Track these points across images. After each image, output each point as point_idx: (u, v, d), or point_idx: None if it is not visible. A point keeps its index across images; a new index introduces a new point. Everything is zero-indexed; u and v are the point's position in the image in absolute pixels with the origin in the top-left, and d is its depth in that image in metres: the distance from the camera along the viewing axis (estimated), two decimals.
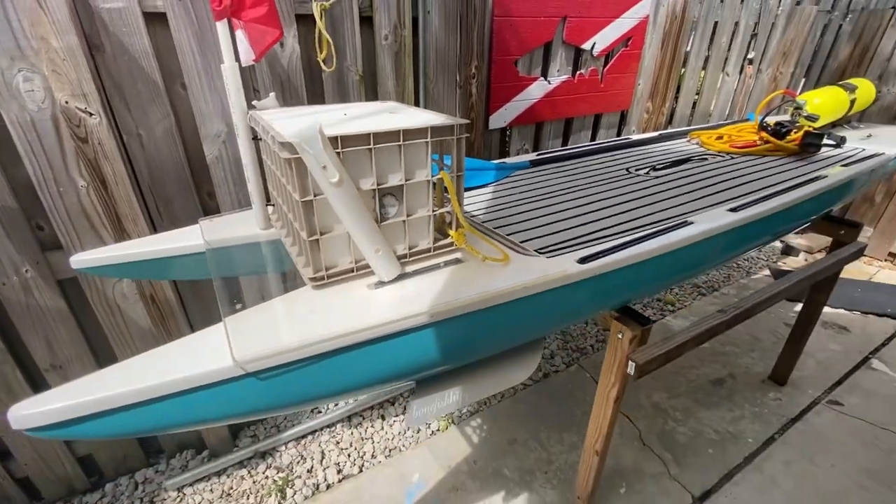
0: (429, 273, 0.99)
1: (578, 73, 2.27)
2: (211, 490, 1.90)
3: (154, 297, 1.61)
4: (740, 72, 3.01)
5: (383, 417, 2.26)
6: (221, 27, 1.00)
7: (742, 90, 3.08)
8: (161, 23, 1.39)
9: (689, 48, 2.65)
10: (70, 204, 1.42)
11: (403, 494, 1.89)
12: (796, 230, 2.10)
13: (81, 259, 1.16)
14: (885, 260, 3.74)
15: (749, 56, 3.02)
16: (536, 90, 2.14)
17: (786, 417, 2.24)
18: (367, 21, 1.69)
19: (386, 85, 1.78)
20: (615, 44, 2.29)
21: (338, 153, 0.82)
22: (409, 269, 0.99)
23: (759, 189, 1.57)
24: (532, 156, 1.96)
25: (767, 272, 3.58)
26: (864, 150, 2.05)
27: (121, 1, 1.31)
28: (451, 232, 1.04)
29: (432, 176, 0.97)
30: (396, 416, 2.26)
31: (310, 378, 0.80)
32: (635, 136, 2.34)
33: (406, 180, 0.93)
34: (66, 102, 1.28)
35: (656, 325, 2.95)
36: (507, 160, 1.90)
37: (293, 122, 0.90)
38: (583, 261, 1.06)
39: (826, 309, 3.11)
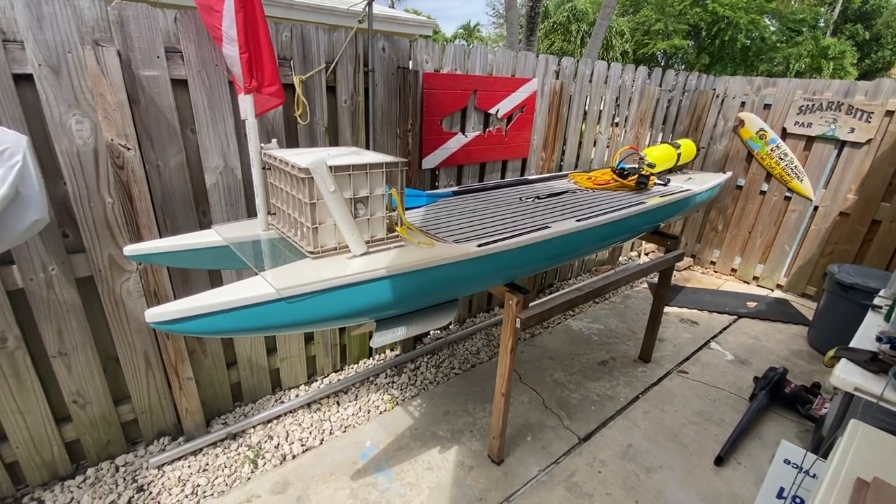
0: (383, 251, 1.57)
1: (488, 130, 3.05)
2: (189, 466, 2.21)
3: (157, 293, 2.00)
4: (610, 131, 4.02)
5: (339, 403, 2.69)
6: (248, 98, 1.57)
7: (613, 144, 4.09)
8: (181, 86, 1.91)
9: (569, 114, 3.57)
10: (97, 216, 1.84)
11: (358, 456, 2.33)
12: (636, 238, 2.93)
13: (132, 248, 1.60)
14: (729, 274, 4.87)
15: (616, 120, 4.05)
16: (456, 142, 2.87)
17: (648, 383, 2.99)
18: (331, 90, 2.32)
19: (345, 135, 2.40)
20: (513, 110, 3.11)
21: (332, 176, 1.40)
22: (371, 249, 1.57)
23: (602, 210, 2.35)
24: (455, 188, 2.65)
25: (646, 285, 4.53)
26: (681, 187, 2.98)
27: (156, 70, 1.82)
28: (398, 227, 1.64)
29: (386, 191, 1.57)
30: (349, 402, 2.71)
31: (314, 305, 1.33)
32: (531, 177, 3.14)
33: (370, 193, 1.52)
34: (112, 140, 1.74)
35: (560, 325, 3.68)
36: (437, 191, 2.57)
37: (301, 158, 1.47)
38: (480, 246, 1.71)
39: (683, 310, 4.08)
